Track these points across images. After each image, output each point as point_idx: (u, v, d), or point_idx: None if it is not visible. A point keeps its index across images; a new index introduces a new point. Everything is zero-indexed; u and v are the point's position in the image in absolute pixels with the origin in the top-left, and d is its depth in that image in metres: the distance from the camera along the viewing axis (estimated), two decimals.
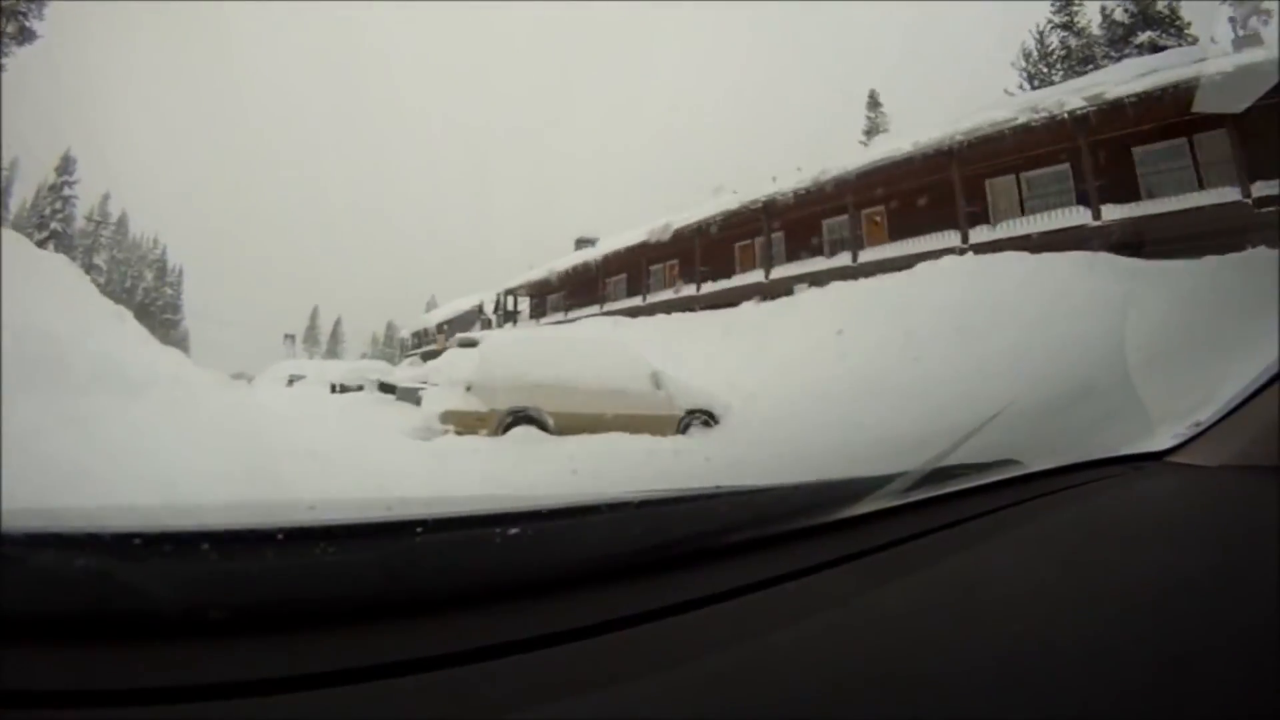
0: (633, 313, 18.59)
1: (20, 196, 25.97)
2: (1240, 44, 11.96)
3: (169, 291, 34.72)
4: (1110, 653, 0.55)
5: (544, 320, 25.00)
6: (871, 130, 30.24)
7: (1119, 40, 22.58)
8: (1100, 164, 12.58)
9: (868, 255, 14.52)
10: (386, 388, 15.73)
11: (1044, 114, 12.79)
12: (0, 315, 5.72)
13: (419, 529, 0.62)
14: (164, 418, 6.59)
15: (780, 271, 16.35)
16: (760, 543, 0.77)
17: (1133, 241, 11.39)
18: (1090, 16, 24.19)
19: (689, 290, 18.57)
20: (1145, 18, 21.57)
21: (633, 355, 8.12)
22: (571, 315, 22.64)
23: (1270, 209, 10.49)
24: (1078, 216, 12.46)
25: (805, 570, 0.73)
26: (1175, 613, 0.66)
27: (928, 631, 0.61)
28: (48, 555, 0.48)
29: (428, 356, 29.47)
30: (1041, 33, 25.67)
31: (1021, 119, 12.71)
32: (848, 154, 19.19)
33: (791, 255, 16.78)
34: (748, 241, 18.25)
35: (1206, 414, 1.27)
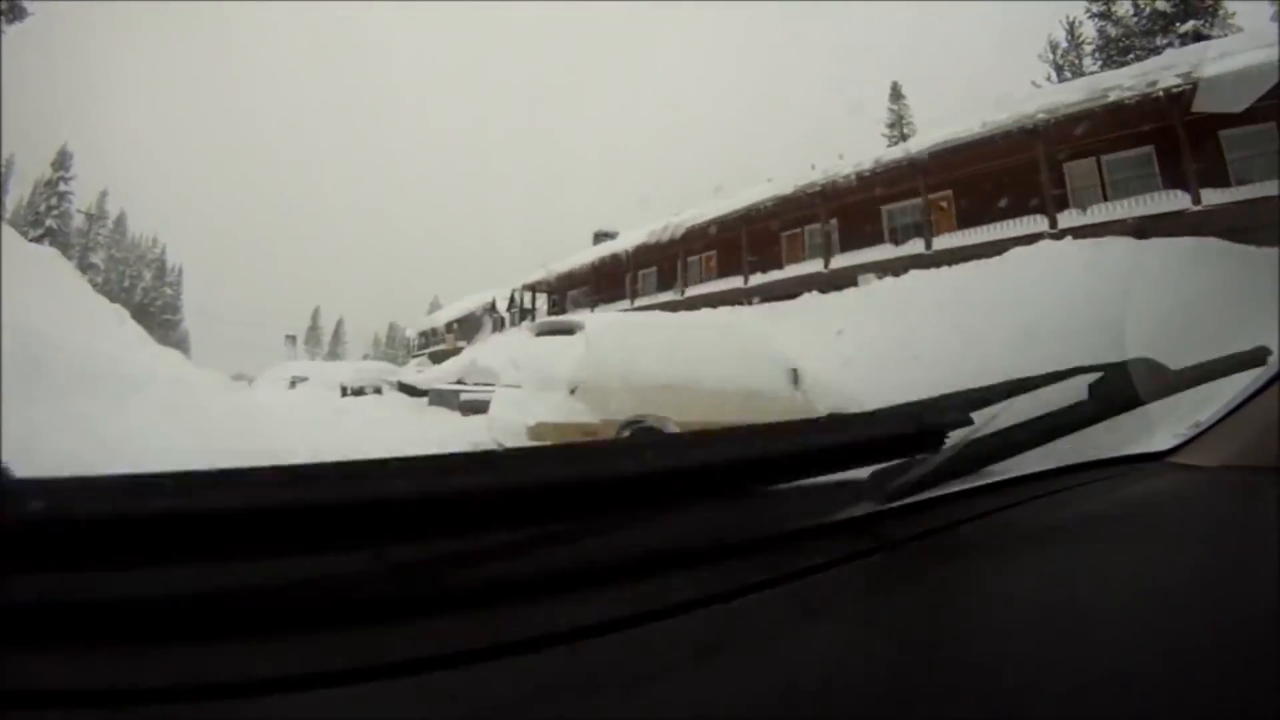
0: (671, 308, 17.00)
1: (17, 194, 25.39)
2: None
3: (168, 291, 33.81)
4: (1110, 653, 0.55)
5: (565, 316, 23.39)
6: (895, 123, 28.91)
7: (1156, 31, 21.33)
8: (1190, 147, 11.19)
9: (942, 242, 13.02)
10: (410, 389, 13.95)
11: (1134, 92, 11.36)
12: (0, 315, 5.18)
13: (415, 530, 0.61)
14: (158, 419, 6.35)
15: (842, 261, 14.68)
16: (760, 543, 0.75)
17: (1239, 227, 10.01)
18: (1125, 8, 22.79)
19: (732, 282, 16.96)
20: (1188, 7, 20.36)
21: (767, 345, 6.49)
22: (598, 312, 20.99)
23: None
24: (1174, 201, 11.07)
25: (805, 570, 0.71)
26: (1175, 613, 0.65)
27: (927, 632, 0.61)
28: (47, 555, 0.46)
29: (436, 356, 28.03)
30: (1072, 24, 24.43)
31: (1113, 96, 11.27)
32: (875, 145, 17.77)
33: (846, 245, 15.22)
34: (795, 230, 16.89)
35: (1206, 414, 1.24)
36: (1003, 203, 12.97)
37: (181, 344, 29.65)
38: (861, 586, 0.72)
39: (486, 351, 18.33)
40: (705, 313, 15.32)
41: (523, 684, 0.48)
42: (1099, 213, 12.22)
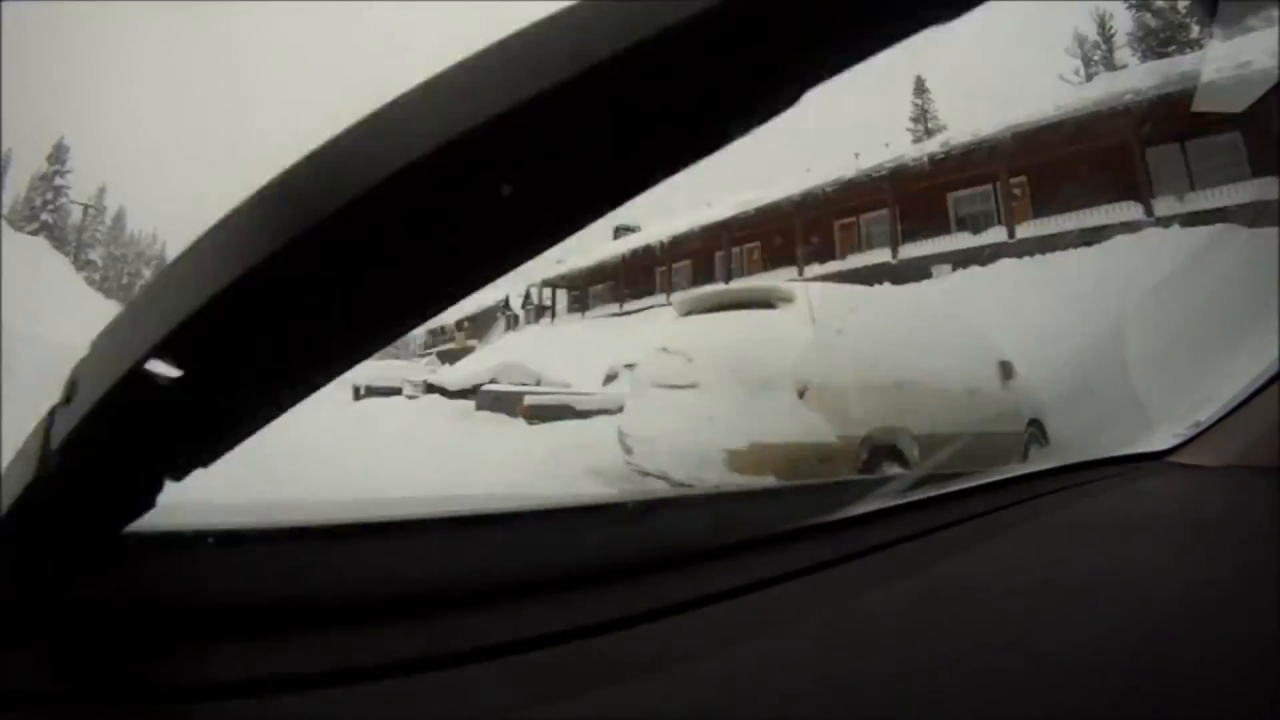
0: None
1: (14, 191, 24.64)
2: None
3: None
4: (1110, 653, 0.55)
5: (588, 314, 21.89)
6: (919, 117, 27.99)
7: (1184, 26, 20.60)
8: None
9: (1025, 230, 11.94)
10: (441, 390, 12.26)
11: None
12: None
13: (419, 529, 0.62)
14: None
15: (912, 250, 13.70)
16: (760, 543, 0.75)
17: None
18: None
19: (784, 274, 15.79)
20: None
21: (974, 329, 5.17)
22: (628, 308, 19.65)
23: None
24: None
25: (805, 570, 0.70)
26: (1176, 613, 0.65)
27: (928, 632, 0.60)
28: (44, 554, 0.46)
29: (445, 356, 26.70)
30: (1103, 16, 23.60)
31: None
32: (899, 140, 16.70)
33: (907, 235, 14.26)
34: (849, 220, 15.68)
35: (1206, 414, 1.24)
36: (1088, 188, 11.92)
37: None
38: (861, 586, 0.71)
39: (519, 348, 16.99)
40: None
41: (522, 684, 0.48)
42: (1195, 201, 11.19)
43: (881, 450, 3.60)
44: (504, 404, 8.90)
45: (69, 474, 0.39)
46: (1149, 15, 21.88)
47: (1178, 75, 11.56)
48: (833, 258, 15.85)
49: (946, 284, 11.72)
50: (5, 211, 22.16)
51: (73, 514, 0.41)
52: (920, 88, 29.08)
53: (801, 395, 3.62)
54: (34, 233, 22.55)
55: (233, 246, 0.33)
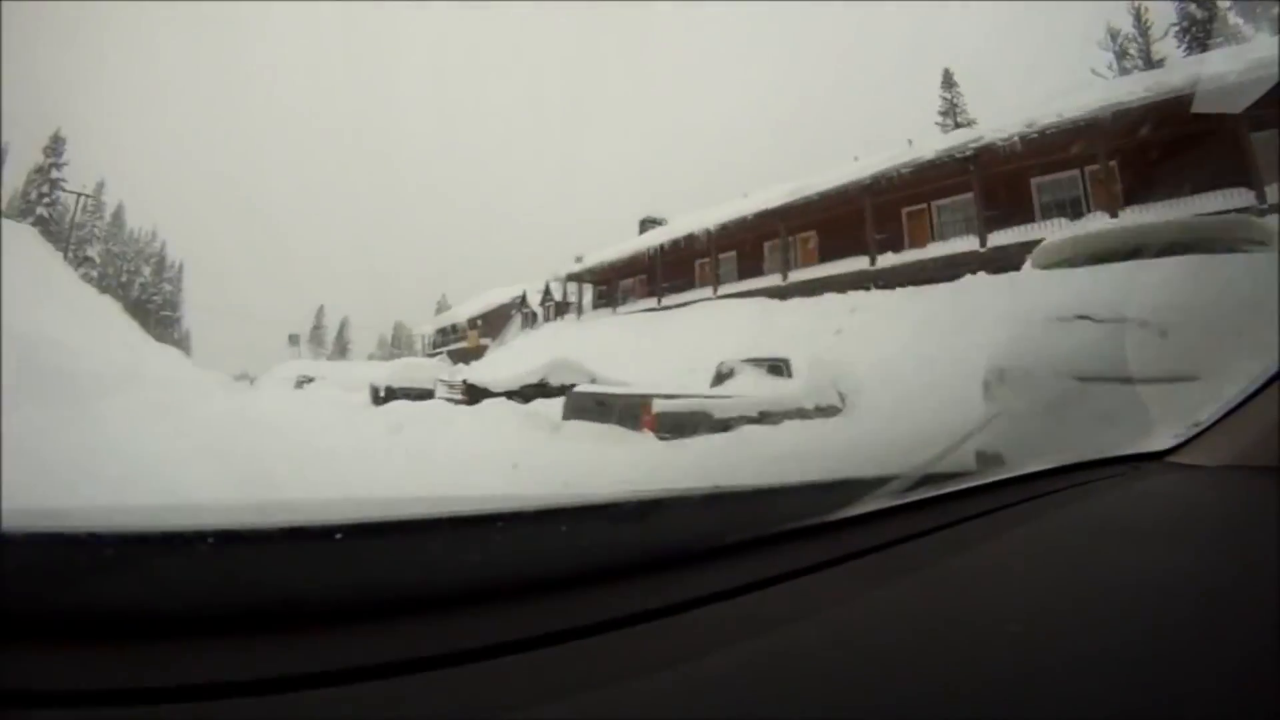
0: (781, 294, 14.71)
1: (12, 185, 23.79)
2: None
3: (168, 287, 31.11)
4: (1110, 653, 0.54)
5: (621, 310, 20.67)
6: (948, 111, 27.17)
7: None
8: None
9: (1129, 218, 10.98)
10: (488, 392, 10.85)
11: None
12: None
13: (419, 529, 0.62)
14: (147, 421, 5.85)
15: (1000, 238, 13.11)
16: (760, 543, 0.75)
17: None
18: None
19: (853, 264, 14.71)
20: None
21: None
22: (666, 302, 18.49)
23: None
24: None
25: (805, 570, 0.71)
26: (1175, 613, 0.64)
27: (928, 632, 0.60)
28: (48, 555, 0.47)
29: (458, 355, 25.41)
30: (1138, 9, 22.88)
31: None
32: (928, 134, 15.71)
33: (987, 222, 13.57)
34: (919, 206, 14.61)
35: (1206, 414, 1.24)
36: (1187, 174, 10.98)
37: (182, 343, 28.22)
38: (861, 585, 0.71)
39: (553, 344, 15.71)
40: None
41: (523, 684, 0.48)
42: None
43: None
44: (611, 411, 6.97)
45: None
46: (1194, 6, 21.13)
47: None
48: (900, 247, 14.82)
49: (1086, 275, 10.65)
50: (3, 206, 21.37)
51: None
52: (949, 81, 28.18)
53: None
54: (30, 226, 21.64)
55: None
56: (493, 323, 30.98)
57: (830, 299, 13.82)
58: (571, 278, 23.59)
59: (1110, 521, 0.97)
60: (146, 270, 29.85)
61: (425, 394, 11.62)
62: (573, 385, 10.50)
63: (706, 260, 18.93)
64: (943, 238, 14.57)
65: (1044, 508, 1.03)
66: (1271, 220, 3.98)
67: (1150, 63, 21.63)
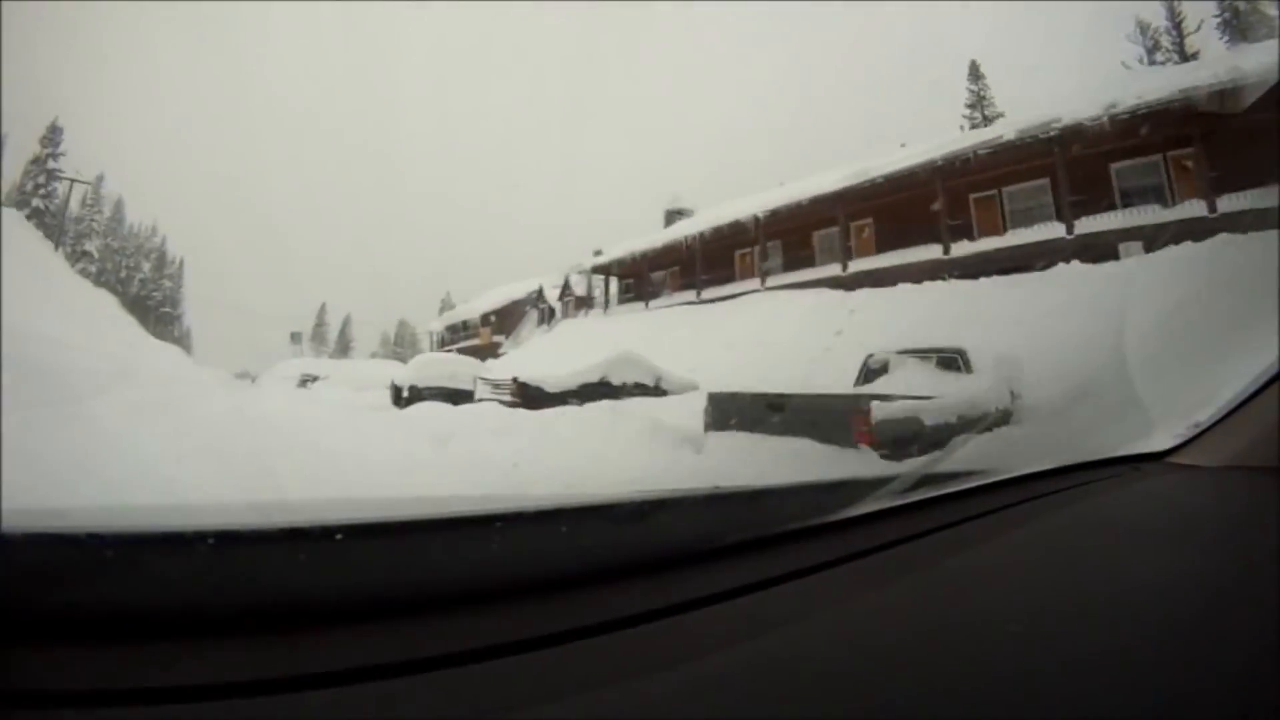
0: (844, 285, 13.33)
1: (9, 178, 22.74)
2: None
3: (168, 284, 29.82)
4: (1110, 652, 0.54)
5: (654, 304, 19.24)
6: (975, 104, 25.95)
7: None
8: None
9: (1227, 204, 9.78)
10: (542, 393, 9.31)
11: None
12: None
13: (419, 529, 0.62)
14: (145, 420, 5.66)
15: (1091, 225, 12.04)
16: (760, 543, 0.75)
17: None
18: None
19: (923, 253, 13.36)
20: None
21: None
22: (706, 295, 17.05)
23: None
24: None
25: (805, 570, 0.71)
26: (1175, 613, 0.64)
27: (928, 632, 0.60)
28: (48, 555, 0.46)
29: (470, 354, 23.83)
30: (1171, 2, 22.05)
31: None
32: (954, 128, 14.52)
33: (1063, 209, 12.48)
34: (988, 193, 13.39)
35: (1206, 414, 1.24)
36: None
37: (182, 340, 27.71)
38: (862, 586, 0.71)
39: (602, 340, 14.29)
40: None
41: (523, 684, 0.48)
42: None
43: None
44: (796, 420, 4.94)
45: None
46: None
47: None
48: (970, 235, 13.53)
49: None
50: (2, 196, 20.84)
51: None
52: (975, 73, 27.00)
53: None
54: (26, 219, 20.87)
55: None
56: (506, 319, 29.63)
57: (905, 290, 12.54)
58: (597, 270, 22.12)
59: (1110, 521, 0.97)
60: (146, 266, 29.03)
61: (460, 395, 10.18)
62: (637, 384, 8.92)
63: (748, 251, 17.50)
64: (1014, 226, 13.46)
65: (1044, 508, 1.02)
66: None
67: (1185, 56, 20.96)
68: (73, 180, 22.93)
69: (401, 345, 47.33)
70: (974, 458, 1.17)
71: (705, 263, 17.96)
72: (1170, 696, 0.48)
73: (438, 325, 34.85)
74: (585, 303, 24.33)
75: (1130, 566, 0.77)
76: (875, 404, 4.56)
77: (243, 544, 0.52)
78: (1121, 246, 10.94)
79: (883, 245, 14.76)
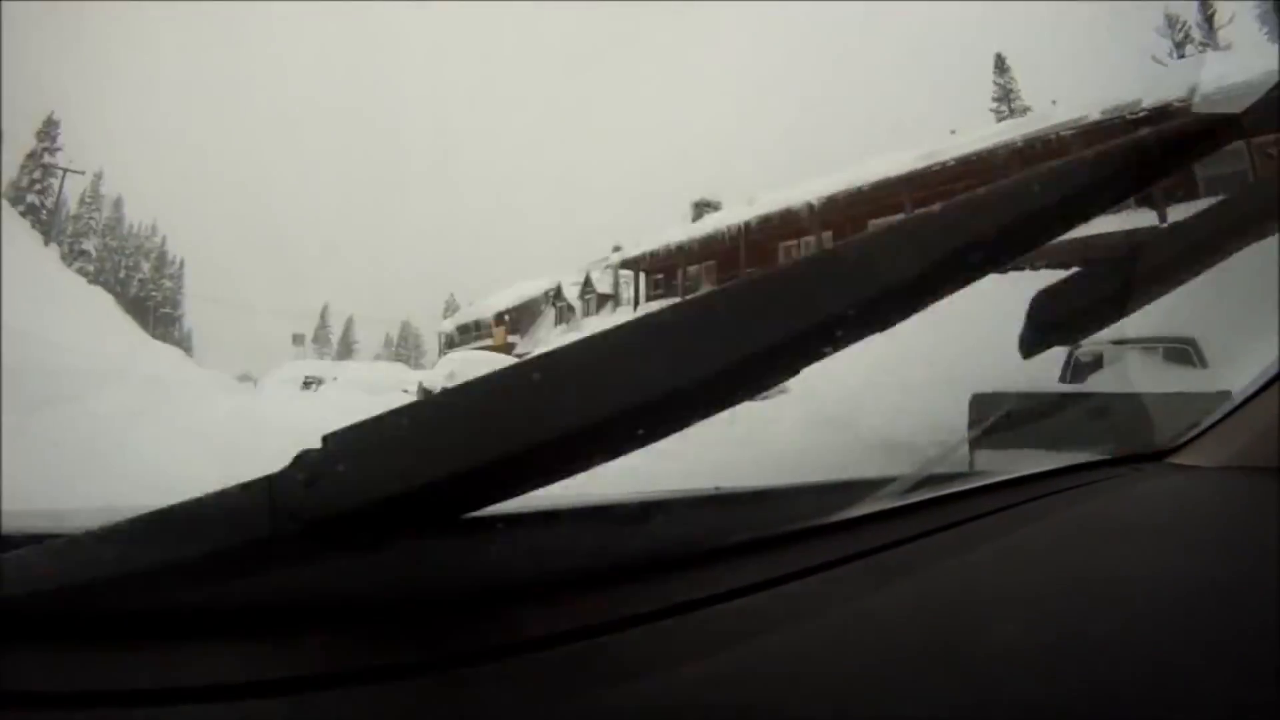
0: None
1: (8, 175, 22.46)
2: None
3: (168, 284, 29.40)
4: (1110, 654, 0.54)
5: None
6: (1002, 97, 25.40)
7: None
8: None
9: None
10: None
11: None
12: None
13: (419, 529, 0.60)
14: (144, 423, 5.77)
15: (1184, 213, 10.02)
16: (760, 544, 0.74)
17: None
18: None
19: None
20: None
21: None
22: None
23: None
24: None
25: (805, 571, 0.69)
26: (1175, 614, 0.63)
27: (928, 633, 0.59)
28: (47, 556, 0.46)
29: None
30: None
31: None
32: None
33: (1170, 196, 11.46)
34: None
35: (1206, 414, 1.22)
36: None
37: (183, 342, 26.95)
38: (862, 587, 0.70)
39: None
40: None
41: (523, 684, 0.47)
42: None
43: None
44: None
45: None
46: None
47: None
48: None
49: None
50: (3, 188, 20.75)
51: None
52: (1001, 65, 26.30)
53: None
54: (20, 215, 20.97)
55: None
56: (521, 318, 28.49)
57: (989, 279, 11.25)
58: (626, 265, 20.85)
59: (1110, 522, 0.97)
60: (146, 266, 28.21)
61: None
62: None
63: (794, 243, 16.28)
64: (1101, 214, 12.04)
65: (1044, 508, 1.02)
66: None
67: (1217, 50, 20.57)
68: (65, 169, 22.10)
69: (405, 347, 46.98)
70: None
71: (750, 256, 16.70)
72: (1171, 698, 0.48)
73: (448, 325, 33.74)
74: (605, 300, 23.17)
75: (1130, 567, 0.76)
76: None
77: (242, 544, 0.51)
78: None
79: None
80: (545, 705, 0.44)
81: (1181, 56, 20.43)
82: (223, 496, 0.44)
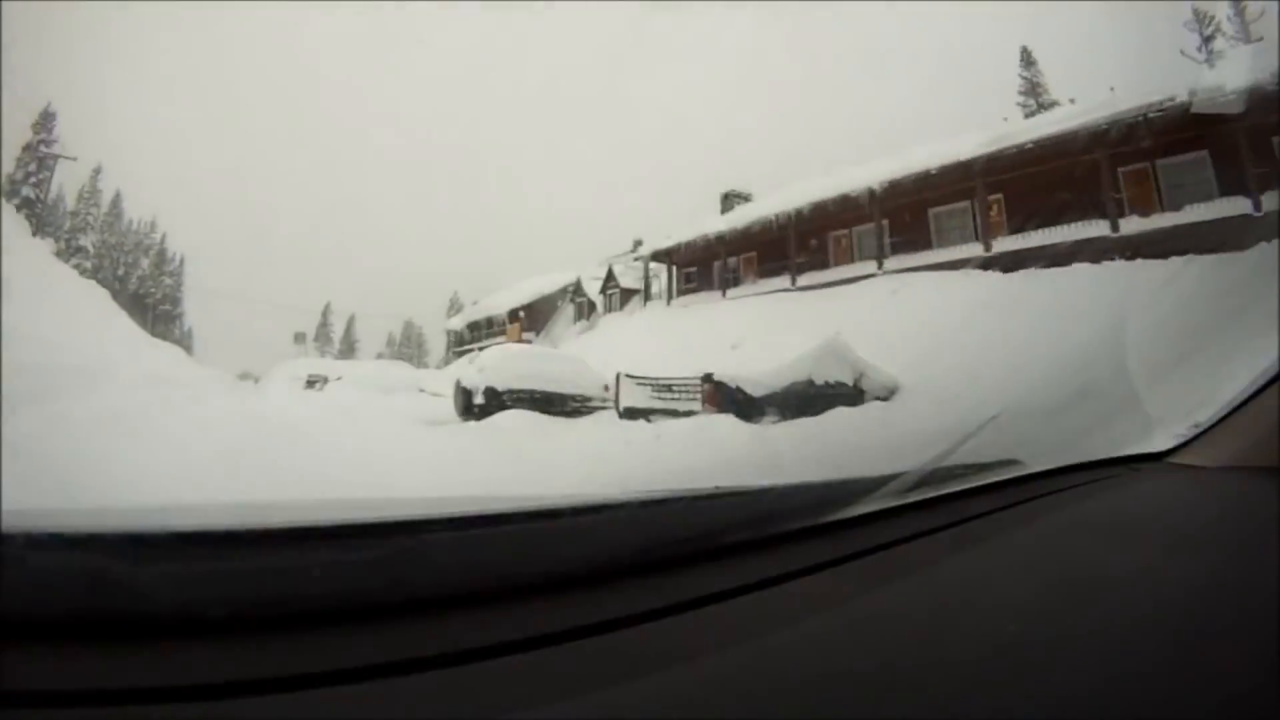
0: (998, 267, 11.15)
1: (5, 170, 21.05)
2: None
3: (168, 281, 28.16)
4: (1110, 653, 0.54)
5: (733, 293, 16.92)
6: (1029, 91, 24.44)
7: None
8: None
9: None
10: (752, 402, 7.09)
11: None
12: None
13: (419, 529, 0.61)
14: (137, 419, 5.58)
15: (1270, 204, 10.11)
16: (760, 543, 0.74)
17: None
18: None
19: (1084, 229, 11.13)
20: None
21: None
22: (802, 282, 14.75)
23: None
24: None
25: (805, 570, 0.70)
26: (1175, 613, 0.64)
27: (928, 632, 0.60)
28: (48, 555, 0.47)
29: None
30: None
31: None
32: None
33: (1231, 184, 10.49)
34: (1139, 166, 11.54)
35: (1206, 414, 1.22)
36: None
37: (183, 340, 26.13)
38: (862, 586, 0.71)
39: (676, 335, 11.99)
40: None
41: (523, 684, 0.47)
42: None
43: None
44: None
45: None
46: None
47: None
48: (1121, 212, 11.53)
49: None
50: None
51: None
52: (1028, 59, 25.34)
53: None
54: (15, 209, 20.18)
55: None
56: (537, 315, 27.39)
57: (1082, 269, 10.28)
58: (656, 257, 19.71)
59: (1110, 522, 0.97)
60: (145, 263, 27.53)
61: (562, 400, 7.84)
62: (836, 382, 6.56)
63: (844, 233, 15.12)
64: (1173, 203, 11.27)
65: (1044, 508, 1.02)
66: None
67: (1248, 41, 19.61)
68: (59, 157, 21.39)
69: (409, 346, 46.01)
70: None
71: (799, 246, 15.65)
72: (1170, 695, 0.48)
73: (457, 323, 32.49)
74: (629, 295, 22.08)
75: (1130, 567, 0.76)
76: None
77: (243, 544, 0.52)
78: None
79: (1013, 223, 12.50)
80: (546, 704, 0.44)
81: (1210, 52, 19.70)
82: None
